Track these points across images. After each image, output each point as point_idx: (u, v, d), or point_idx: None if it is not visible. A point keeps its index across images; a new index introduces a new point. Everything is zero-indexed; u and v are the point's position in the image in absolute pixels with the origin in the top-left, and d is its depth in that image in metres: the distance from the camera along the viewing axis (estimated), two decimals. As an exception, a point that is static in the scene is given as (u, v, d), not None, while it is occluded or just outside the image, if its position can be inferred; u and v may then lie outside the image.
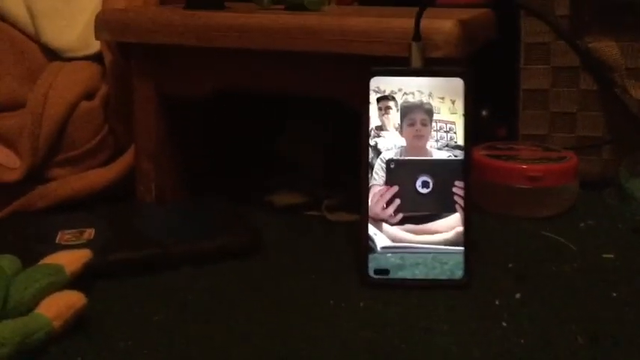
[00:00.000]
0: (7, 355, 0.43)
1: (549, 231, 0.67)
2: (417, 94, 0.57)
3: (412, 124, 0.57)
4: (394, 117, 0.57)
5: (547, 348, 0.47)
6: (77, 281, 0.52)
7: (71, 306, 0.49)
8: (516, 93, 0.80)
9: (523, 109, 0.80)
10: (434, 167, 0.57)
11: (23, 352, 0.45)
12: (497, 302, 0.53)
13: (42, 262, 0.52)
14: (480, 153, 0.74)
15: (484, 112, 0.85)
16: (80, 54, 0.77)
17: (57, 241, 0.60)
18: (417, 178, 0.57)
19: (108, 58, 0.75)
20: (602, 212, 0.71)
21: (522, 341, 0.47)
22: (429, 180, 0.57)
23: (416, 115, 0.57)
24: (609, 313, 0.51)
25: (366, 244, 0.56)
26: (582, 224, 0.69)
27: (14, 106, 0.74)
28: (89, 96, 0.74)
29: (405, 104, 0.57)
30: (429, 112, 0.57)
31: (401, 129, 0.57)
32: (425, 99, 0.57)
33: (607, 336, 0.48)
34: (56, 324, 0.47)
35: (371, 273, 0.56)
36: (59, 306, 0.48)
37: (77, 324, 0.49)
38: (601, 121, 0.78)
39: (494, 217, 0.70)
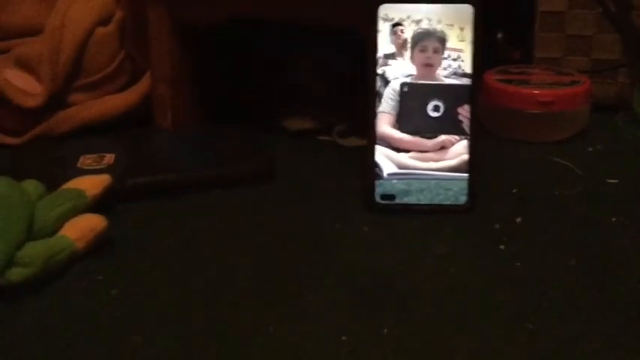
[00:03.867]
0: (33, 274, 0.47)
1: (558, 156, 0.68)
2: (425, 21, 0.58)
3: (423, 51, 0.58)
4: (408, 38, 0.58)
5: (540, 270, 0.49)
6: (98, 205, 0.55)
7: (93, 228, 0.52)
8: (533, 15, 0.79)
9: (539, 32, 0.79)
10: (445, 92, 0.58)
11: (49, 271, 0.48)
12: (497, 226, 0.55)
13: (64, 186, 0.55)
14: (492, 77, 0.74)
15: (499, 35, 0.84)
16: (95, -22, 0.77)
17: (79, 166, 0.62)
18: (428, 102, 0.58)
19: (122, -18, 0.76)
20: (613, 137, 0.72)
21: (518, 264, 0.50)
22: (440, 104, 0.58)
23: (428, 42, 0.58)
24: (606, 238, 0.53)
25: (373, 171, 0.58)
26: (591, 149, 0.70)
27: (33, 31, 0.75)
28: (105, 21, 0.76)
29: (419, 30, 0.57)
30: (442, 41, 0.58)
31: (412, 56, 0.58)
32: (438, 27, 0.57)
33: (598, 260, 0.50)
34: (79, 245, 0.50)
35: (377, 198, 0.58)
36: (81, 228, 0.52)
37: (98, 245, 0.52)
38: (617, 44, 0.77)
39: (505, 142, 0.71)
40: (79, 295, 0.47)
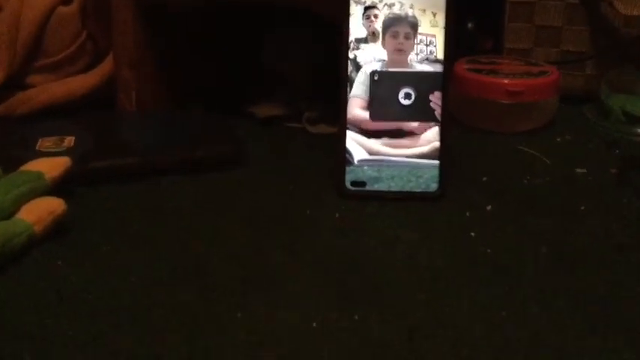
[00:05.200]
0: (-12, 258, 0.45)
1: (526, 145, 0.68)
2: (398, 5, 0.57)
3: (395, 37, 0.57)
4: (379, 27, 0.57)
5: (511, 257, 0.49)
6: (57, 188, 0.53)
7: (51, 211, 0.50)
8: (503, 6, 0.79)
9: (508, 22, 0.79)
10: (416, 79, 0.57)
11: (5, 255, 0.46)
12: (468, 214, 0.54)
13: (22, 168, 0.53)
14: (462, 67, 0.74)
15: (470, 25, 0.84)
16: (56, -44, 0.74)
17: (37, 148, 0.60)
18: (399, 90, 0.58)
19: (84, -40, 0.73)
20: (581, 127, 0.72)
21: (488, 250, 0.49)
22: (412, 92, 0.57)
23: (400, 27, 0.57)
24: (575, 226, 0.53)
25: (344, 157, 0.57)
26: (559, 139, 0.70)
27: (-9, 10, 0.72)
28: (66, 0, 0.73)
29: (390, 16, 0.56)
30: (414, 26, 0.57)
31: (383, 41, 0.57)
32: (410, 12, 0.56)
33: (569, 247, 0.50)
34: (37, 228, 0.48)
35: (348, 185, 0.57)
36: (40, 211, 0.49)
37: (58, 229, 0.50)
38: (586, 36, 0.77)
39: (474, 131, 0.71)
40: (37, 281, 0.45)
